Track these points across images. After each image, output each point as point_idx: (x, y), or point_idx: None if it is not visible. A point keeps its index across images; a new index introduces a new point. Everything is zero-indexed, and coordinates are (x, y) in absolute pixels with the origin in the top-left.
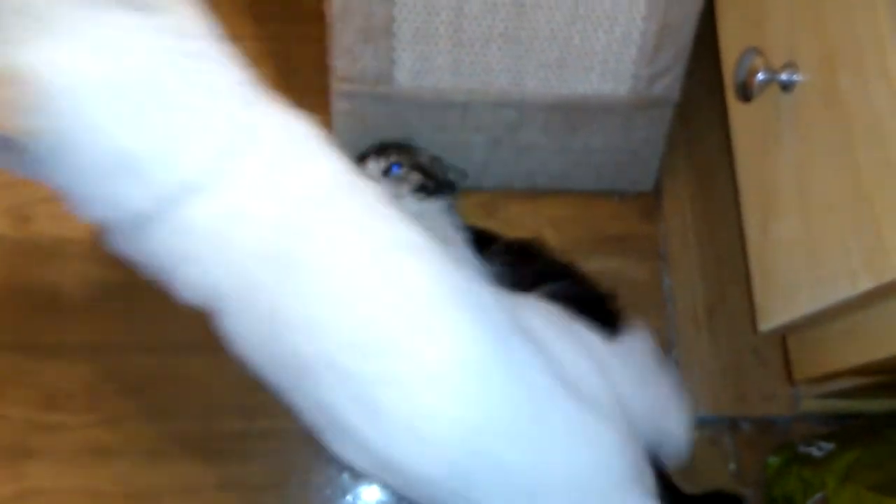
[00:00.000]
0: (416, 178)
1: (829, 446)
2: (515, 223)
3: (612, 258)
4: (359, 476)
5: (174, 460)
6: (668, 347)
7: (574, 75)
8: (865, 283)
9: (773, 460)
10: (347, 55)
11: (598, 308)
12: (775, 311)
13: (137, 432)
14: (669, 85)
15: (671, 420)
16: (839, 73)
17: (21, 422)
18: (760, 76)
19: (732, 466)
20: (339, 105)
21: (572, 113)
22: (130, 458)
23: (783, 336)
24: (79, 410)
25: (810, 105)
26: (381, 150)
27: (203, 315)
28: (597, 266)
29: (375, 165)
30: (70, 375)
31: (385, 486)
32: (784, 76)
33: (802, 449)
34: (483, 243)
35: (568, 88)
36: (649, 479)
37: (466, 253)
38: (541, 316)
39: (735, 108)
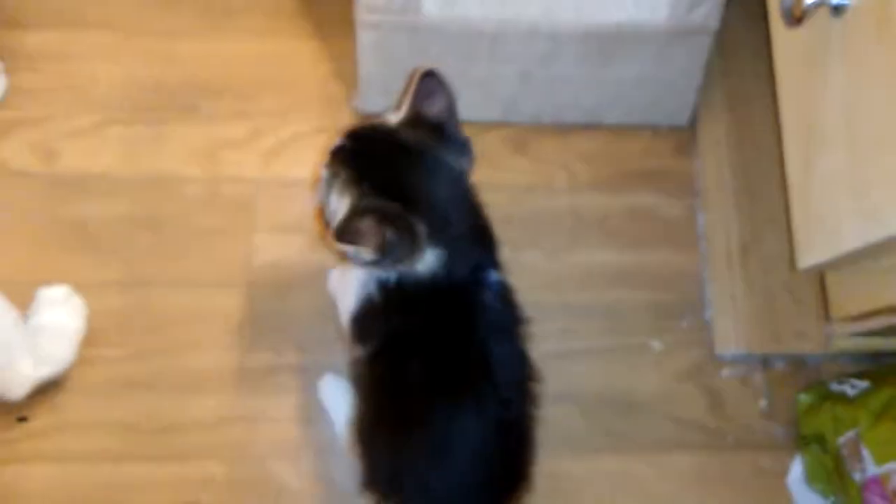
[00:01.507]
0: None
1: (863, 384)
2: (545, 159)
3: (645, 194)
4: None
5: (204, 395)
6: (701, 285)
7: (609, 2)
8: None
9: (804, 398)
10: None
11: None
12: (816, 249)
13: (167, 367)
14: (708, 12)
15: None
16: None
17: None
18: None
19: (763, 403)
20: (363, 37)
21: (606, 43)
22: (160, 392)
23: (818, 274)
24: (110, 345)
25: (861, 31)
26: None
27: (230, 251)
28: (629, 203)
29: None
30: (100, 311)
31: None
32: None
33: (835, 387)
34: None
35: (603, 16)
36: None
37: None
38: None
39: (779, 34)
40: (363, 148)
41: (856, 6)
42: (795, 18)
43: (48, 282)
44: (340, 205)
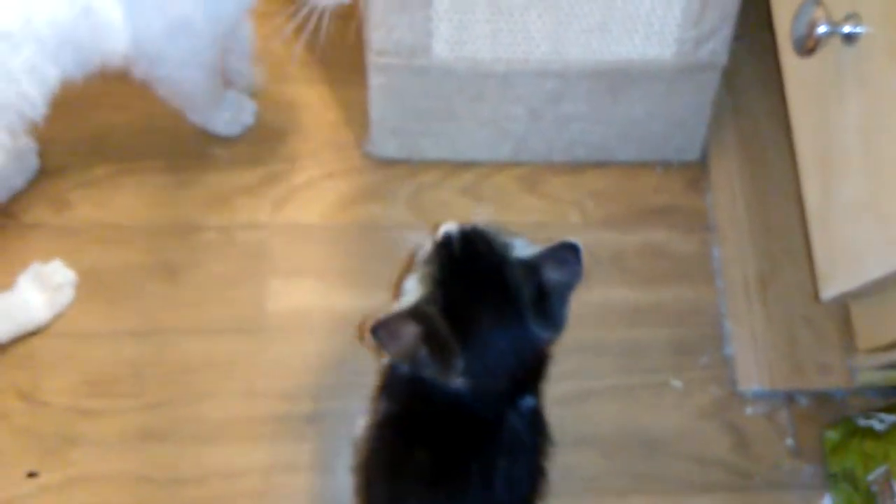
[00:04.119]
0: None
1: (891, 418)
2: (556, 197)
3: (658, 231)
4: None
5: (219, 444)
6: (719, 321)
7: (617, 40)
8: None
9: (832, 434)
10: (382, 27)
11: None
12: (839, 278)
13: (182, 417)
14: (716, 48)
15: None
16: None
17: (65, 409)
18: (821, 29)
19: (789, 442)
20: (374, 80)
21: (615, 80)
22: (175, 442)
23: (840, 306)
24: (122, 396)
25: (875, 58)
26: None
27: (244, 298)
28: (642, 239)
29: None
30: (113, 361)
31: None
32: (847, 28)
33: (862, 422)
34: None
35: (611, 54)
36: None
37: None
38: None
39: (791, 65)
40: (466, 259)
41: (868, 34)
42: (807, 49)
43: (61, 331)
44: (410, 294)
